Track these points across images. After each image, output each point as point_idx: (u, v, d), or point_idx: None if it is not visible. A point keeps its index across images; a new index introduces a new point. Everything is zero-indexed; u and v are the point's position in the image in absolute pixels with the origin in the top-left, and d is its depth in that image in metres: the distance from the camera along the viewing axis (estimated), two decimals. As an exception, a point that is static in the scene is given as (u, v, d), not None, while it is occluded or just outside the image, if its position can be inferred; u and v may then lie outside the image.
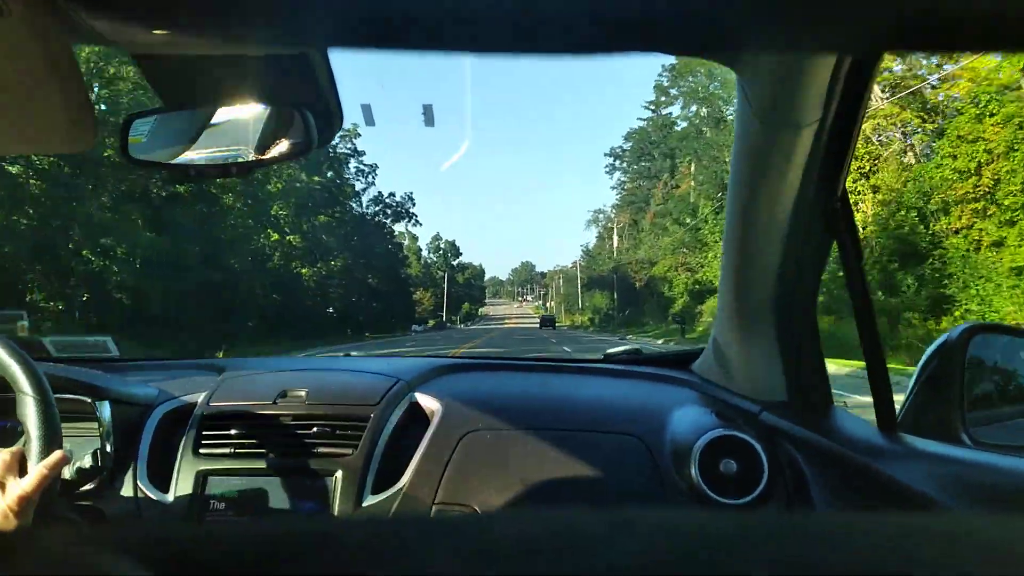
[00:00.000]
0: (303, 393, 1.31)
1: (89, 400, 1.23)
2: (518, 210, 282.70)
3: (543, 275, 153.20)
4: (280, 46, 0.60)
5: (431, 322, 67.96)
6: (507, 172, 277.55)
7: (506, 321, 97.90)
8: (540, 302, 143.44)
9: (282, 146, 0.69)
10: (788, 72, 0.84)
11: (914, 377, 1.03)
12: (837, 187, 0.96)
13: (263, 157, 0.73)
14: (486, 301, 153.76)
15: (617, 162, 63.43)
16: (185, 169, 0.79)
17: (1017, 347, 1.11)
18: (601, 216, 73.55)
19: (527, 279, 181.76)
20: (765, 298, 1.10)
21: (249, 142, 0.74)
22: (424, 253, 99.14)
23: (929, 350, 1.03)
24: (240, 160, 0.76)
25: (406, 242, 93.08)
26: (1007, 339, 1.11)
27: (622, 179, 63.39)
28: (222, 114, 0.74)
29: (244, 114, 0.75)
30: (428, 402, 1.33)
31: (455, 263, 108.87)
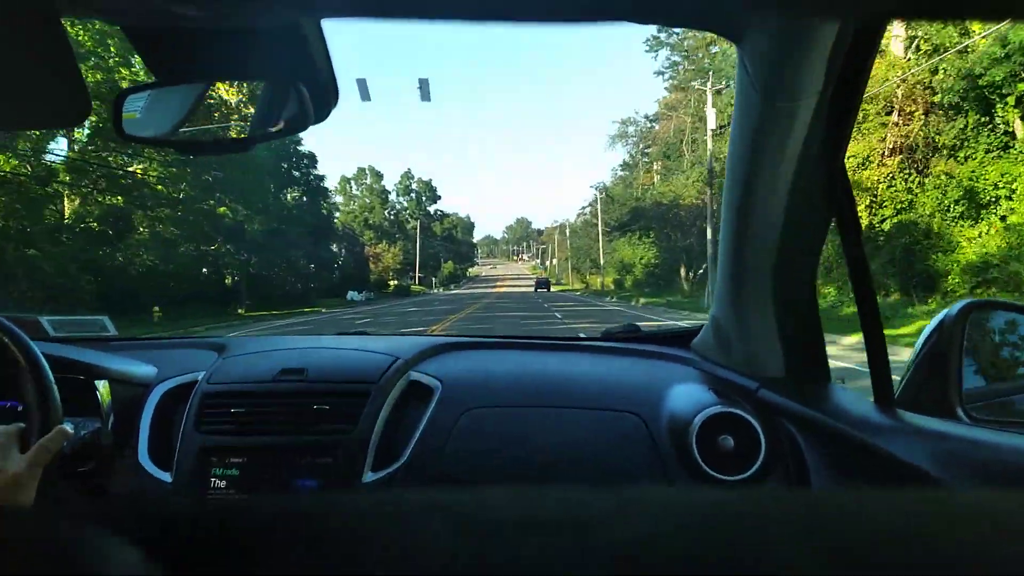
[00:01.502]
0: (303, 371, 1.31)
1: (88, 379, 1.23)
2: (513, 159, 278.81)
3: (540, 232, 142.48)
4: (273, 16, 0.58)
5: (392, 284, 54.98)
6: (499, 119, 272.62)
7: (498, 284, 79.71)
8: (538, 260, 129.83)
9: (278, 121, 0.69)
10: (790, 45, 0.83)
11: (913, 353, 1.04)
12: (836, 161, 0.96)
13: (259, 132, 0.72)
14: (478, 260, 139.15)
15: (664, 33, 39.83)
16: (181, 145, 0.77)
17: (1015, 323, 1.12)
18: (631, 129, 48.94)
19: (523, 236, 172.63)
20: (764, 274, 1.10)
21: (245, 117, 0.72)
22: (392, 196, 79.16)
23: (928, 327, 1.04)
24: (237, 135, 0.75)
25: (368, 180, 72.92)
26: (1005, 315, 1.12)
27: (672, 56, 41.41)
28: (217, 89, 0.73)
29: (239, 89, 0.73)
30: (427, 380, 1.34)
31: (432, 210, 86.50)
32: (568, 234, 76.31)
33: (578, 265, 67.63)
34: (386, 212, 75.56)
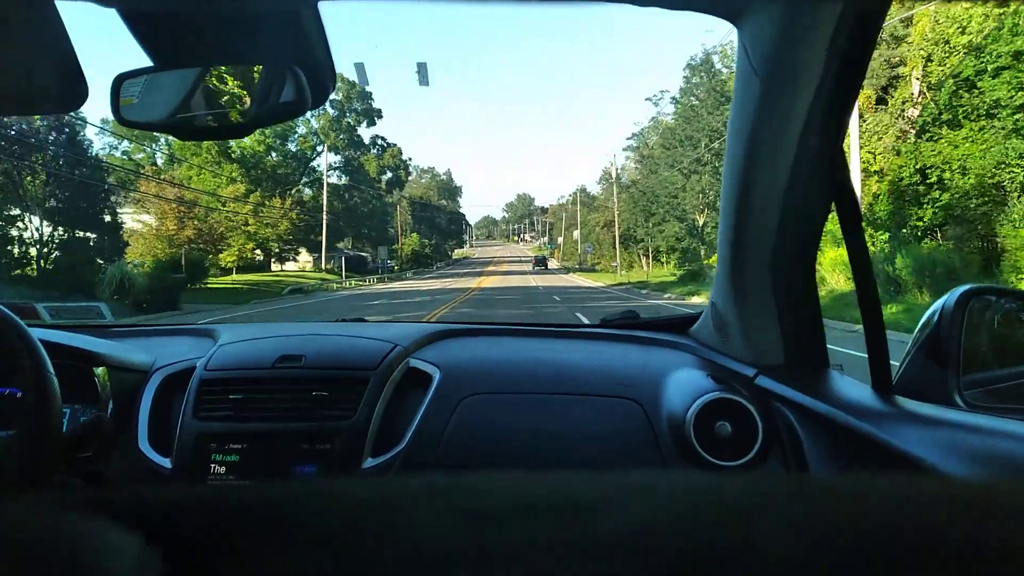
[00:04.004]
0: (301, 357, 1.31)
1: (87, 366, 1.23)
2: (511, 135, 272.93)
3: (544, 210, 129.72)
4: (270, 1, 0.57)
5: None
6: (497, 94, 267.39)
7: (486, 271, 52.57)
8: (545, 239, 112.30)
9: (275, 105, 0.68)
10: (790, 28, 0.83)
11: (912, 339, 1.04)
12: (836, 146, 0.95)
13: (257, 116, 0.71)
14: (472, 243, 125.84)
15: None
16: (178, 130, 0.77)
17: (1014, 310, 1.12)
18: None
19: (524, 214, 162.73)
20: (763, 260, 1.10)
21: (242, 101, 0.72)
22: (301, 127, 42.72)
23: (927, 313, 1.04)
24: (234, 120, 0.74)
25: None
26: (1005, 302, 1.12)
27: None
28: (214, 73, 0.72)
29: (237, 73, 0.72)
30: (426, 367, 1.34)
31: (370, 137, 49.30)
32: (613, 180, 43.13)
33: (633, 233, 37.98)
34: (271, 133, 39.18)
